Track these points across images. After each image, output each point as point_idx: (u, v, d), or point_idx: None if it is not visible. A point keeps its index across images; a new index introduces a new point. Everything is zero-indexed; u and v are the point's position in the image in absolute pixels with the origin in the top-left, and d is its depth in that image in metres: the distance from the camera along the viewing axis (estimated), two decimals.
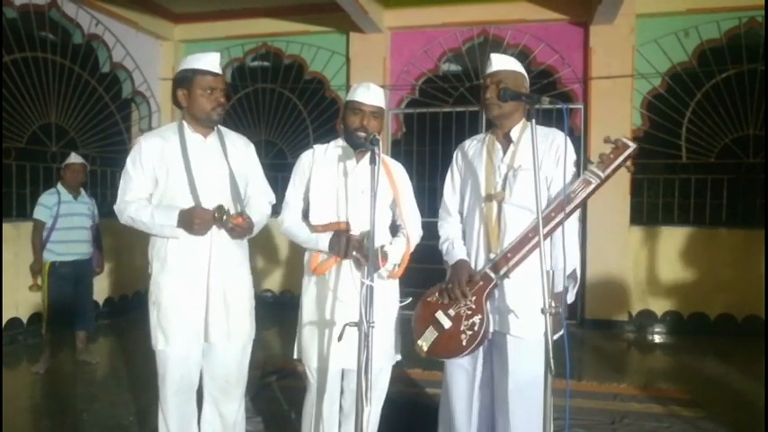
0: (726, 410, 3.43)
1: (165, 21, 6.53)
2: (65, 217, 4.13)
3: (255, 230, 2.33)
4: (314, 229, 2.26)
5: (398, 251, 2.29)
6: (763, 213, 5.49)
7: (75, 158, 4.25)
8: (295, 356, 2.38)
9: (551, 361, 1.66)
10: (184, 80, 2.23)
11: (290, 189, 2.37)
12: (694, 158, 5.64)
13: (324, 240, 2.22)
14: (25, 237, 4.43)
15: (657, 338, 5.45)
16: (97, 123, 5.86)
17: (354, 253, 2.16)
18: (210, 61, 2.22)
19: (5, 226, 4.67)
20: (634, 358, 4.93)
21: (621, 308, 5.65)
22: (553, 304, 1.72)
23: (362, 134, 2.16)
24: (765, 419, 3.20)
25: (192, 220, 2.12)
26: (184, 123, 2.29)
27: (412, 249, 2.36)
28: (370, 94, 2.22)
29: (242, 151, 2.41)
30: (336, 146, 2.34)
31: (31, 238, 4.11)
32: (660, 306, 5.65)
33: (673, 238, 5.62)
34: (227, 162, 2.31)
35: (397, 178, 2.34)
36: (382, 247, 2.18)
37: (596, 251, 5.63)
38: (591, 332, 5.54)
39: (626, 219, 5.64)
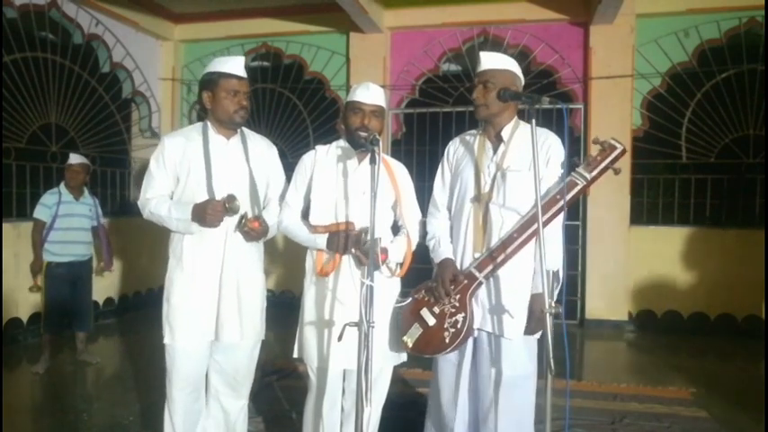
0: (726, 410, 3.43)
1: (165, 21, 6.53)
2: (63, 217, 4.13)
3: (271, 233, 2.36)
4: (314, 229, 2.26)
5: (400, 249, 2.29)
6: (763, 213, 5.49)
7: (75, 159, 4.24)
8: (295, 355, 2.38)
9: (551, 361, 1.66)
10: (209, 83, 2.27)
11: (291, 189, 2.37)
12: (694, 158, 5.64)
13: (322, 239, 2.23)
14: (25, 237, 4.43)
15: (657, 338, 5.44)
16: (97, 123, 5.86)
17: (354, 251, 2.16)
18: (235, 65, 2.27)
19: (5, 226, 4.67)
20: (634, 358, 4.93)
21: (621, 308, 5.65)
22: (552, 304, 1.71)
23: (363, 133, 2.16)
24: (765, 419, 3.20)
25: (205, 211, 2.15)
26: (208, 124, 2.33)
27: (413, 249, 2.36)
28: (369, 93, 2.22)
29: (264, 154, 2.44)
30: (338, 147, 2.34)
31: (31, 238, 4.11)
32: (660, 306, 5.65)
33: (673, 238, 5.62)
34: (247, 165, 2.34)
35: (398, 178, 2.34)
36: (380, 239, 2.18)
37: (596, 251, 5.63)
38: (591, 332, 5.54)
39: (626, 219, 5.65)
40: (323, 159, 2.32)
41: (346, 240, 2.16)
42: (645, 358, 4.88)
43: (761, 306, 5.20)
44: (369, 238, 1.94)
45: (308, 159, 2.36)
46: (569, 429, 3.04)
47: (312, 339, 2.29)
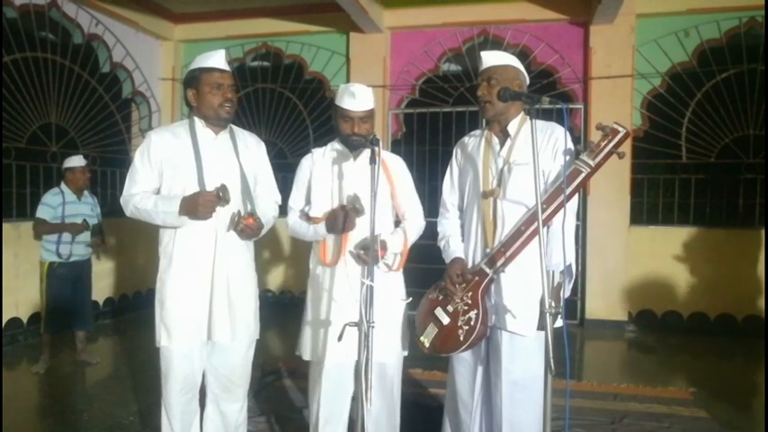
0: (726, 410, 3.43)
1: (165, 21, 6.53)
2: (68, 218, 4.13)
3: (263, 231, 2.34)
4: (313, 221, 2.32)
5: (398, 241, 2.32)
6: (763, 213, 5.49)
7: (78, 161, 4.22)
8: (297, 353, 2.41)
9: (551, 361, 1.66)
10: (193, 80, 2.26)
11: (293, 193, 2.44)
12: (694, 158, 5.64)
13: (321, 226, 2.28)
14: (25, 237, 4.43)
15: (657, 338, 5.44)
16: (97, 123, 5.86)
17: (354, 249, 2.21)
18: (216, 59, 2.25)
19: (5, 226, 4.66)
20: (634, 358, 4.93)
21: (621, 308, 5.65)
22: (553, 304, 1.71)
23: (357, 138, 2.21)
24: (765, 419, 3.20)
25: (197, 203, 2.13)
26: (195, 119, 2.30)
27: (414, 239, 2.40)
28: (356, 101, 2.25)
29: (253, 150, 2.43)
30: (333, 148, 2.40)
31: (34, 236, 4.10)
32: (660, 306, 5.65)
33: (673, 238, 5.62)
34: (237, 160, 2.32)
35: (393, 172, 2.38)
36: (379, 235, 2.21)
37: (596, 251, 5.63)
38: (591, 332, 5.54)
39: (626, 219, 5.64)
40: (320, 161, 2.38)
41: (345, 217, 2.18)
42: (645, 358, 4.88)
43: (761, 306, 5.19)
44: (369, 237, 1.96)
45: (306, 162, 2.43)
46: (569, 429, 3.03)
47: (314, 336, 2.33)
